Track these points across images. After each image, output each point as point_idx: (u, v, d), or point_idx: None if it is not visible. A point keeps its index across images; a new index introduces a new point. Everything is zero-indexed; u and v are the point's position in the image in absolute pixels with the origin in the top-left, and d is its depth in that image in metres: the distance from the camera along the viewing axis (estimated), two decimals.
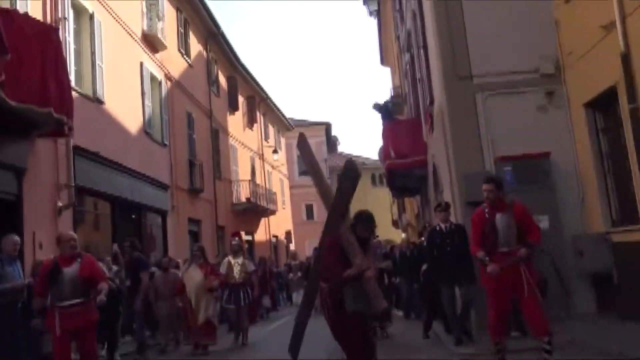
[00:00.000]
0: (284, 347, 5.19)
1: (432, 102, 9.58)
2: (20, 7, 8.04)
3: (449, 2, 8.15)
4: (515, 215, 4.93)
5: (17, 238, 6.78)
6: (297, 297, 15.21)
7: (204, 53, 18.12)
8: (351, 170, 4.77)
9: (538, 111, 7.81)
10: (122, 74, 11.67)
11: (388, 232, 28.59)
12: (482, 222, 5.04)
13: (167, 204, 13.71)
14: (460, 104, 7.94)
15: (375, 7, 18.85)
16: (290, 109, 71.82)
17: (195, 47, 17.26)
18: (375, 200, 32.87)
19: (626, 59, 6.14)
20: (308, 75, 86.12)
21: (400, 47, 16.03)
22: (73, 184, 9.05)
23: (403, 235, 21.60)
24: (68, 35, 9.43)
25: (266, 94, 24.91)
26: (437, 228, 6.90)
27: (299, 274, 16.17)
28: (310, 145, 5.56)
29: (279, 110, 27.71)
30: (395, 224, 28.69)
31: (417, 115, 12.51)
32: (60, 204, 8.78)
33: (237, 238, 9.99)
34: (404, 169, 12.25)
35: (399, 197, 20.40)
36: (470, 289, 6.51)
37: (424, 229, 9.73)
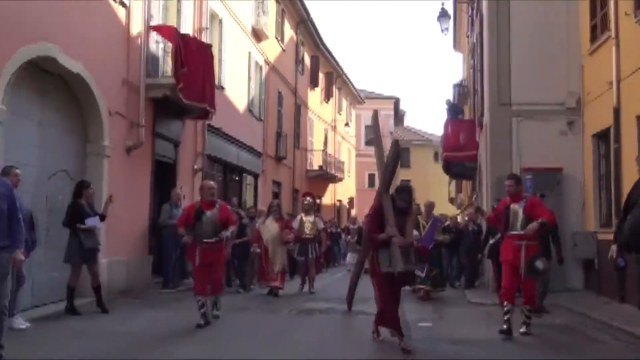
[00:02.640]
0: (342, 295, 8.04)
1: (482, 114, 12.43)
2: (179, 23, 11.51)
3: (501, 38, 10.90)
4: (525, 207, 6.23)
5: (179, 192, 10.46)
6: (351, 258, 16.10)
7: (295, 37, 21.33)
8: (396, 150, 6.07)
9: (559, 135, 10.57)
10: (236, 64, 15.09)
11: (444, 208, 31.33)
12: (502, 206, 6.50)
13: (259, 168, 17.32)
14: (500, 123, 10.84)
15: None
16: (362, 82, 74.18)
17: (288, 32, 20.49)
18: (435, 176, 35.45)
19: (616, 112, 8.85)
20: (382, 51, 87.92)
21: (468, 46, 18.50)
22: (205, 153, 12.72)
23: (458, 212, 24.48)
24: (209, 40, 12.88)
25: (342, 71, 27.92)
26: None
27: (356, 237, 18.74)
28: (379, 122, 6.71)
29: (352, 85, 30.69)
30: (451, 201, 31.38)
31: (473, 116, 15.28)
32: (195, 166, 12.46)
33: (309, 198, 11.25)
34: (457, 161, 15.21)
35: (454, 180, 23.10)
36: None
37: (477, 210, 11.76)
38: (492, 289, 9.53)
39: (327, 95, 26.42)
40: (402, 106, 40.42)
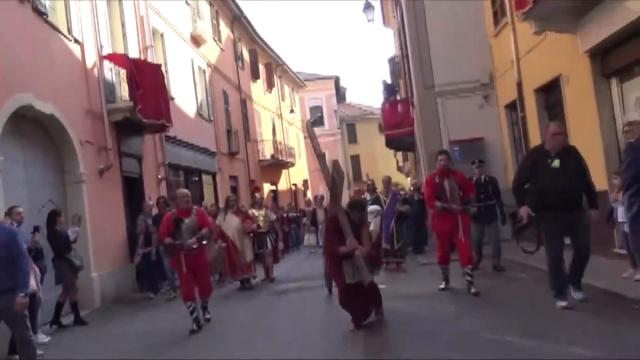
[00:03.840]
0: (307, 275, 9.25)
1: (412, 95, 14.03)
2: (126, 46, 12.44)
3: (420, 30, 12.47)
4: (456, 180, 7.15)
5: (150, 202, 11.58)
6: (308, 238, 16.96)
7: (231, 35, 22.30)
8: (339, 171, 6.50)
9: (478, 109, 12.30)
10: (180, 73, 16.07)
11: (394, 177, 33.39)
12: (434, 185, 7.12)
13: (215, 167, 18.44)
14: (427, 104, 12.50)
15: None
16: (301, 66, 74.96)
17: (225, 31, 21.46)
18: (382, 148, 37.17)
19: (519, 86, 10.58)
20: (317, 32, 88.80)
21: (396, 25, 20.02)
22: (166, 162, 13.80)
23: (409, 180, 26.38)
24: (154, 57, 13.83)
25: (281, 59, 29.05)
26: (474, 179, 8.56)
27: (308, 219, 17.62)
28: (315, 133, 7.56)
29: (292, 71, 31.89)
30: (399, 169, 33.40)
31: (407, 94, 16.91)
32: (159, 176, 13.54)
33: (257, 193, 12.49)
34: (397, 137, 16.86)
35: (398, 151, 24.90)
36: (497, 227, 8.66)
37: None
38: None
39: (269, 85, 27.55)
40: (343, 84, 41.87)
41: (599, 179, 6.86)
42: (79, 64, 10.17)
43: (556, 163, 5.49)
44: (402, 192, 11.89)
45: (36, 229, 7.27)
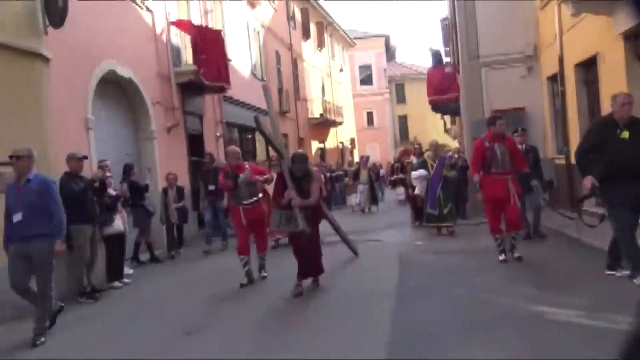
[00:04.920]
0: (349, 230, 10.25)
1: (458, 64, 14.62)
2: (189, 11, 13.52)
3: (467, 3, 12.96)
4: (507, 145, 6.99)
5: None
6: (350, 198, 17.96)
7: None
8: (270, 127, 6.95)
9: (520, 79, 12.83)
10: (237, 35, 17.09)
11: (441, 139, 33.73)
12: (482, 150, 6.95)
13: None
14: (471, 74, 13.11)
15: None
16: (353, 24, 74.25)
17: None
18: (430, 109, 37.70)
19: (560, 60, 11.09)
20: None
21: None
22: (223, 120, 15.05)
23: (455, 142, 26.90)
24: (213, 21, 14.88)
25: (332, 18, 29.57)
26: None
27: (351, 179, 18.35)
28: (271, 95, 7.67)
29: (342, 30, 32.34)
30: (447, 131, 33.74)
31: (454, 62, 17.40)
32: (217, 133, 14.83)
33: (301, 149, 13.42)
34: (442, 103, 17.50)
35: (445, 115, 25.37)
36: (538, 195, 8.41)
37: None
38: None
39: (320, 44, 28.25)
40: (393, 43, 41.91)
41: None
42: (150, 30, 11.36)
43: (625, 134, 5.35)
44: (449, 156, 11.58)
45: (124, 179, 8.65)
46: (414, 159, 11.82)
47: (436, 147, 10.67)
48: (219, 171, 8.18)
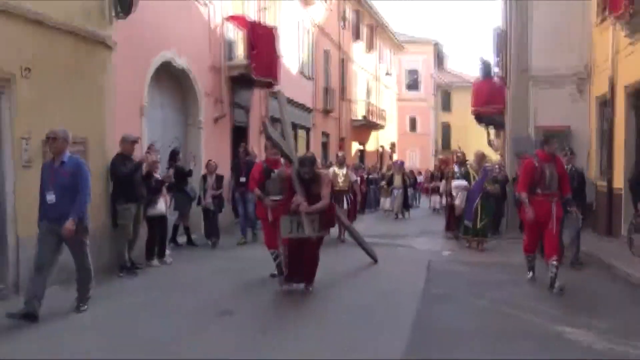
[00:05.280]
0: (380, 233, 10.43)
1: (507, 76, 14.57)
2: (244, 7, 13.94)
3: (522, 13, 12.93)
4: (557, 167, 6.81)
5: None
6: (384, 202, 17.95)
7: None
8: (272, 135, 7.11)
9: (569, 98, 12.72)
10: (289, 33, 17.46)
11: (484, 150, 33.45)
12: (532, 170, 6.74)
13: (310, 122, 19.97)
14: (519, 89, 13.08)
15: None
16: (403, 28, 74.00)
17: None
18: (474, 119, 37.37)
19: (612, 82, 10.97)
20: None
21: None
22: (269, 115, 15.44)
23: (497, 156, 26.65)
24: (268, 16, 15.27)
25: (384, 21, 29.67)
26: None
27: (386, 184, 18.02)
28: (285, 101, 7.90)
29: (393, 34, 32.40)
30: (490, 143, 33.39)
31: (503, 73, 17.29)
32: (262, 127, 15.22)
33: (341, 151, 12.66)
34: (486, 114, 17.43)
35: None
36: (578, 221, 8.02)
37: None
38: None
39: (370, 47, 28.40)
40: (445, 51, 41.63)
41: None
42: (207, 24, 11.80)
43: None
44: (494, 168, 11.43)
45: (170, 164, 9.10)
46: (456, 167, 11.63)
47: (481, 158, 10.55)
48: (254, 164, 8.29)
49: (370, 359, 4.42)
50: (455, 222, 11.27)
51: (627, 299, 6.25)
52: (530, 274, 7.27)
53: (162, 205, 8.48)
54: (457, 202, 10.68)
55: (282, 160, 7.43)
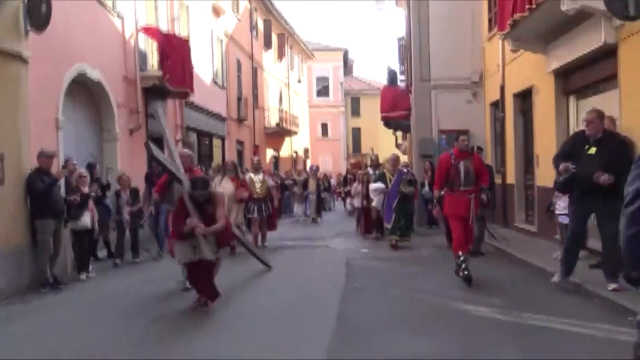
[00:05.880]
0: (298, 236, 11.04)
1: (411, 84, 15.67)
2: (157, 18, 14.00)
3: (422, 29, 14.03)
4: (474, 163, 6.93)
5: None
6: (298, 207, 18.36)
7: (248, 5, 23.67)
8: (150, 154, 7.13)
9: (466, 104, 13.97)
10: (200, 42, 17.59)
11: (392, 152, 35.14)
12: (447, 165, 6.84)
13: (224, 131, 20.15)
14: (422, 95, 14.15)
15: None
16: (312, 35, 75.51)
17: (243, 2, 22.81)
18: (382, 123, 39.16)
19: (502, 88, 12.24)
20: (328, 3, 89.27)
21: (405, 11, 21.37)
22: (184, 125, 15.51)
23: (405, 157, 28.11)
24: (180, 26, 15.36)
25: (293, 30, 30.40)
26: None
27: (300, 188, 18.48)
28: (165, 119, 7.95)
29: (303, 42, 33.24)
30: (398, 146, 35.10)
31: (407, 81, 18.49)
32: (177, 137, 15.26)
33: (256, 157, 12.07)
34: (393, 119, 18.54)
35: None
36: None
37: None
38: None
39: (280, 55, 28.98)
40: (351, 57, 43.11)
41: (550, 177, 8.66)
42: (120, 35, 11.78)
43: (592, 150, 5.75)
44: (406, 171, 11.57)
45: (92, 179, 9.05)
46: (370, 170, 12.04)
47: (396, 161, 10.86)
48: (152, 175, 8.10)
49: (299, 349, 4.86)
50: (371, 223, 11.83)
51: (519, 280, 7.18)
52: (465, 272, 6.81)
53: (87, 219, 8.42)
54: (374, 204, 11.18)
55: (199, 169, 7.57)
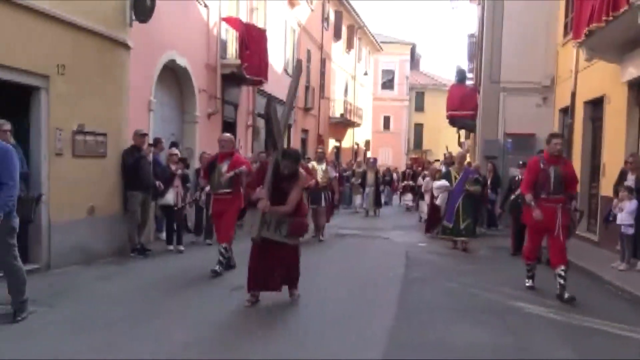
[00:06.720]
0: (357, 226, 11.48)
1: (480, 84, 15.80)
2: (238, 8, 14.78)
3: (495, 30, 14.15)
4: (565, 169, 6.50)
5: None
6: (355, 199, 18.70)
7: None
8: (268, 111, 5.96)
9: (535, 107, 14.01)
10: (275, 33, 18.31)
11: (454, 151, 34.93)
12: (537, 170, 6.46)
13: (291, 119, 20.86)
14: (490, 96, 14.30)
15: None
16: (381, 28, 75.49)
17: None
18: (445, 121, 38.82)
19: (573, 95, 12.25)
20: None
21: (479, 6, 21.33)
22: (255, 112, 16.32)
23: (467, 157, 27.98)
24: (257, 17, 16.12)
25: (363, 22, 30.75)
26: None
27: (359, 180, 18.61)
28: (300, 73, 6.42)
29: (371, 34, 33.52)
30: (460, 145, 34.87)
31: (476, 80, 18.57)
32: (248, 123, 16.10)
33: (321, 146, 12.92)
34: (459, 118, 18.67)
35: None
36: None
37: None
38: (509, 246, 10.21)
39: (349, 47, 29.43)
40: (419, 51, 42.97)
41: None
42: (204, 24, 12.61)
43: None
44: (474, 170, 11.28)
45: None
46: (443, 168, 11.91)
47: (462, 159, 10.69)
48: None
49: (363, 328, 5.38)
50: (433, 222, 11.82)
51: (575, 285, 7.44)
52: (530, 282, 7.04)
53: (170, 196, 9.19)
54: (438, 202, 11.04)
55: (233, 154, 7.25)
